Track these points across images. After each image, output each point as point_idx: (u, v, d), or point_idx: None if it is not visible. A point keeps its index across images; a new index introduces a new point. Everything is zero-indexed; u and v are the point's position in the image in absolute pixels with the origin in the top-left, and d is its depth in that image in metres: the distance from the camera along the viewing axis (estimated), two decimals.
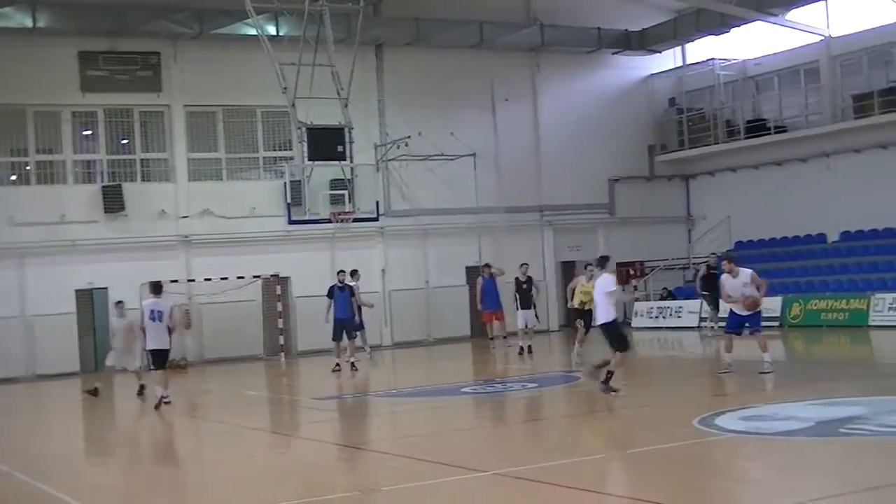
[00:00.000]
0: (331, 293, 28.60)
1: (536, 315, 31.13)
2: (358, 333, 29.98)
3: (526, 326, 29.89)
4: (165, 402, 21.94)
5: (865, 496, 10.74)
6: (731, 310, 22.42)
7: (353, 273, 30.27)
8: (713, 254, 32.86)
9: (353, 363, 28.08)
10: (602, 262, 20.33)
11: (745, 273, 21.71)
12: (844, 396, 17.51)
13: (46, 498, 13.62)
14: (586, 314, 24.20)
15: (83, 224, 34.30)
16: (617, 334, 19.45)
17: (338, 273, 29.32)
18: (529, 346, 29.66)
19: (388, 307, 37.66)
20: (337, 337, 28.37)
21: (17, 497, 13.86)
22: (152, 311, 22.13)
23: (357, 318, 29.67)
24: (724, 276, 22.02)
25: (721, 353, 23.12)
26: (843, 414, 15.41)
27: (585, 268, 25.98)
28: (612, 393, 18.85)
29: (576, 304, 25.39)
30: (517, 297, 30.15)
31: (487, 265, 32.37)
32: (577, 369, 23.91)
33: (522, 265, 30.91)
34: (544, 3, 40.44)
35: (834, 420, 15.08)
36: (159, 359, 22.21)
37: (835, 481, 11.56)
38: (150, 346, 22.28)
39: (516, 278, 30.43)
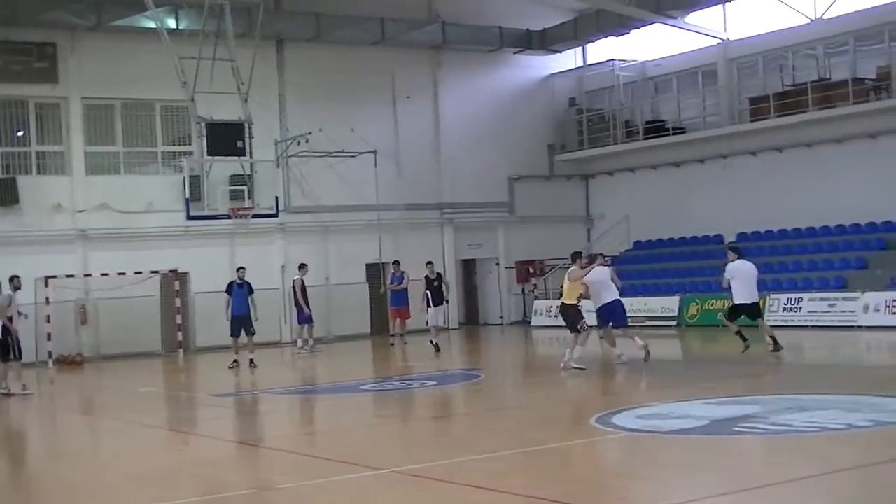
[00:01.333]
0: (230, 289, 28.43)
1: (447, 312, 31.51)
2: (306, 326, 31.68)
3: (438, 324, 30.03)
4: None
5: (754, 494, 10.90)
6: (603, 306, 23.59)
7: (301, 267, 32.11)
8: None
9: (251, 360, 27.91)
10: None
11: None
12: (739, 395, 17.77)
13: None
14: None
15: None
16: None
17: (237, 269, 29.13)
18: (437, 344, 29.64)
19: (288, 304, 37.44)
20: (235, 333, 28.25)
21: None
22: None
23: (306, 310, 31.57)
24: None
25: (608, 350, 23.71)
26: (738, 413, 15.64)
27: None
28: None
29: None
30: (428, 295, 30.28)
31: (396, 262, 32.55)
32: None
33: (429, 263, 31.07)
34: (446, 1, 40.59)
35: (728, 419, 15.29)
36: None
37: (725, 479, 11.71)
38: None
39: (426, 276, 30.60)
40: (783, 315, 32.43)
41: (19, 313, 24.37)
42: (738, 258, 25.17)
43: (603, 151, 42.72)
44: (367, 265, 39.16)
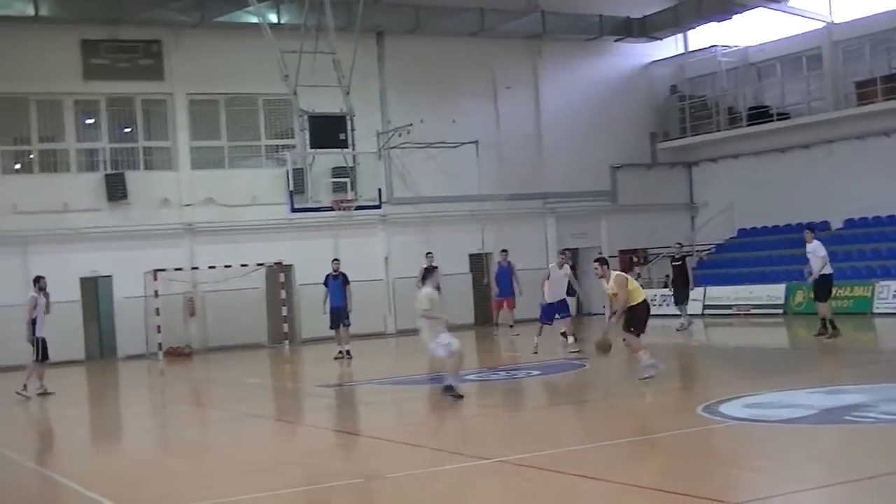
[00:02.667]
0: (326, 282, 28.59)
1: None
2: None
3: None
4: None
5: (868, 483, 10.74)
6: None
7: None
8: (678, 244, 32.72)
9: (347, 351, 28.06)
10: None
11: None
12: (849, 384, 17.52)
13: (54, 485, 13.66)
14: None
15: (86, 212, 34.35)
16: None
17: (333, 261, 29.13)
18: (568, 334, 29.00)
19: (392, 295, 37.69)
20: (335, 325, 28.39)
21: (24, 484, 13.88)
22: None
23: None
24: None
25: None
26: (848, 402, 15.42)
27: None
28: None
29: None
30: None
31: (504, 251, 32.42)
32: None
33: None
34: None
35: (838, 408, 15.08)
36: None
37: (838, 468, 11.55)
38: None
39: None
40: (893, 302, 31.89)
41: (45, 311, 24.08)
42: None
43: (705, 139, 42.29)
44: (470, 255, 39.21)
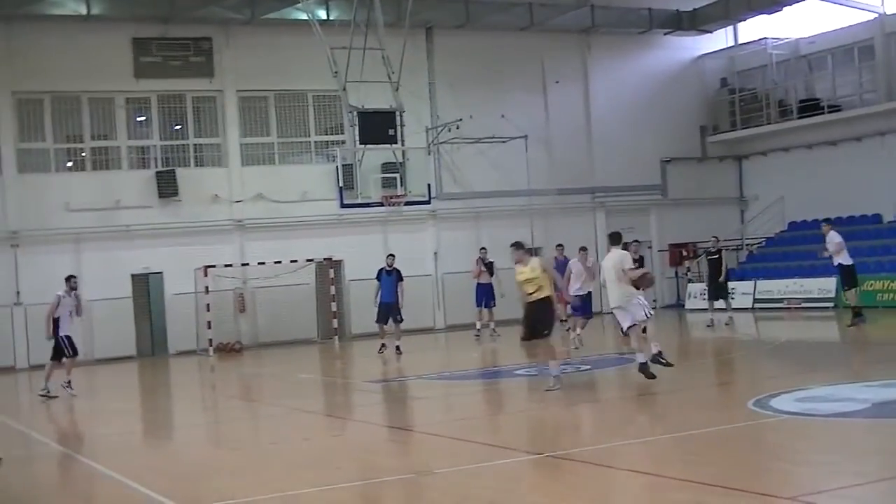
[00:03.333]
0: (379, 276, 28.63)
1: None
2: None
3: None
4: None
5: None
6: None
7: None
8: (714, 237, 32.26)
9: (397, 346, 28.09)
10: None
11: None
12: None
13: (102, 478, 13.77)
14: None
15: (137, 209, 34.65)
16: None
17: (387, 257, 29.18)
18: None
19: (441, 290, 37.73)
20: (382, 320, 28.38)
21: (75, 477, 14.02)
22: None
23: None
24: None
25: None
26: None
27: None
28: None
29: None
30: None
31: (560, 246, 32.25)
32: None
33: (635, 242, 30.38)
34: None
35: (891, 402, 14.96)
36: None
37: (893, 462, 11.45)
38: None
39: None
40: None
41: (76, 313, 23.89)
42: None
43: (756, 132, 42.04)
44: None
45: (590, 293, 26.88)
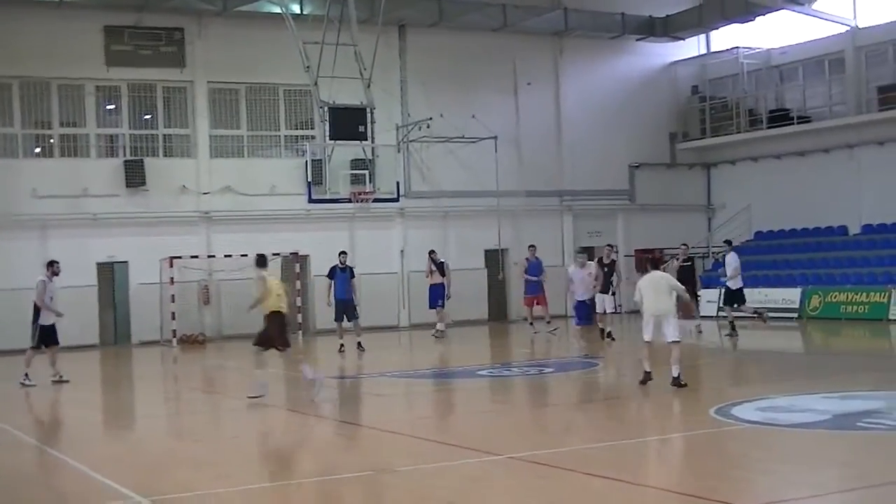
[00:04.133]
0: (331, 274, 28.57)
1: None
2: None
3: (606, 310, 28.88)
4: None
5: (881, 491, 10.73)
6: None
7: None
8: (684, 245, 32.24)
9: (359, 343, 28.08)
10: None
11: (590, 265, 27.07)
12: (862, 390, 17.47)
13: (63, 467, 13.71)
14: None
15: (105, 198, 34.44)
16: None
17: (339, 254, 29.07)
18: (609, 332, 28.81)
19: (407, 289, 37.70)
20: (338, 318, 28.38)
21: (36, 466, 13.95)
22: None
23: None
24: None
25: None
26: (861, 408, 15.40)
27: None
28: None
29: None
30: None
31: (532, 247, 32.30)
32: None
33: (609, 246, 30.32)
34: None
35: (851, 413, 15.06)
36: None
37: (851, 475, 11.54)
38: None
39: (599, 259, 29.25)
40: None
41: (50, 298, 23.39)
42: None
43: (725, 140, 42.21)
44: (486, 251, 39.21)
45: (593, 299, 26.97)
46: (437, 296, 31.64)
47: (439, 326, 31.68)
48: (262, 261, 20.18)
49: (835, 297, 34.04)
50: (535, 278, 31.51)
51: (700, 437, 14.19)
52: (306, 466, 13.37)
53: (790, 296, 35.46)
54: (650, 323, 18.47)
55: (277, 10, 32.86)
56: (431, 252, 32.25)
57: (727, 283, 29.27)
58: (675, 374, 18.18)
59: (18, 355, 29.89)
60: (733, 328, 28.68)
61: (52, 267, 23.73)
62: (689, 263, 30.86)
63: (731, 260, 29.03)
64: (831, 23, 39.04)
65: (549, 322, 31.49)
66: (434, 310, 31.88)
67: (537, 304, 31.79)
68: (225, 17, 35.59)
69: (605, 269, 28.66)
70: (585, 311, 26.66)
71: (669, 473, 11.71)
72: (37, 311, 23.25)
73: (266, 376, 19.20)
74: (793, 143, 39.96)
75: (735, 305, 29.23)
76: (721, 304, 30.50)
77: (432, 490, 11.52)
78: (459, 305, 37.27)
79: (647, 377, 18.56)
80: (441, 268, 31.59)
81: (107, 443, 16.49)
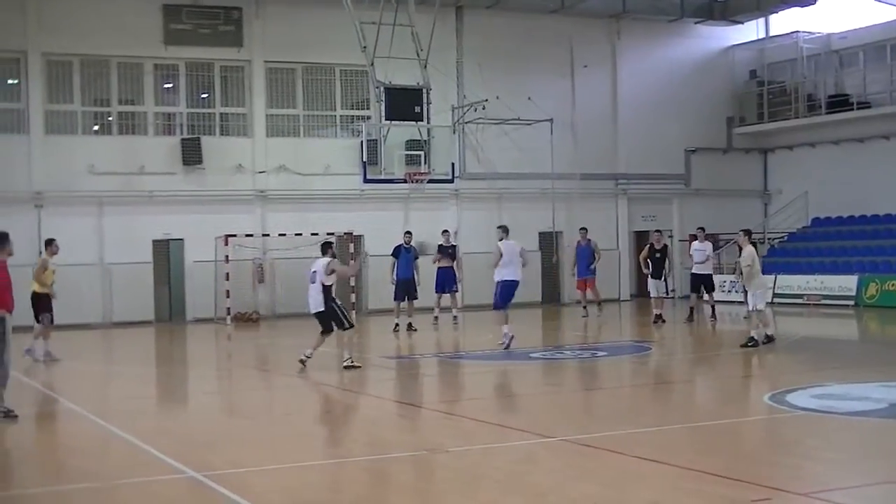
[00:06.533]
0: (396, 253, 28.66)
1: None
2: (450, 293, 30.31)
3: (658, 295, 29.09)
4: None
5: None
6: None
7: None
8: (658, 231, 31.67)
9: (410, 324, 28.18)
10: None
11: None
12: None
13: (114, 439, 13.84)
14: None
15: (161, 175, 34.70)
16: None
17: (405, 234, 29.21)
18: (660, 315, 28.90)
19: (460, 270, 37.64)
20: (399, 297, 28.48)
21: (87, 437, 14.09)
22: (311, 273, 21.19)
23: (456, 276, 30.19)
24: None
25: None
26: None
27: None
28: None
29: None
30: (649, 264, 29.24)
31: (584, 229, 32.19)
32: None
33: (657, 232, 30.37)
34: None
35: None
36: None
37: None
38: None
39: (650, 245, 29.52)
40: None
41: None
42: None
43: (783, 125, 41.84)
44: (540, 233, 39.15)
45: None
46: (447, 279, 30.34)
47: (437, 311, 30.97)
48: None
49: (892, 286, 33.67)
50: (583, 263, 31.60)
51: (753, 423, 14.11)
52: (357, 445, 13.42)
53: (847, 283, 35.13)
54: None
55: None
56: (445, 233, 31.57)
57: (695, 271, 28.93)
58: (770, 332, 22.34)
59: (77, 330, 30.31)
60: (692, 314, 28.96)
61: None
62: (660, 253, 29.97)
63: (705, 247, 29.04)
64: (893, 7, 38.56)
65: (599, 304, 31.47)
66: (439, 294, 30.67)
67: (588, 287, 31.76)
68: None
69: (657, 255, 28.67)
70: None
71: (720, 459, 11.64)
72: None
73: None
74: (852, 129, 39.56)
75: (700, 294, 29.29)
76: (689, 291, 30.04)
77: (483, 470, 11.54)
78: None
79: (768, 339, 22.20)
80: (453, 251, 30.70)
81: (159, 417, 16.62)
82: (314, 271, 20.84)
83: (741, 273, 22.51)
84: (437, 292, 30.42)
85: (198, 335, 31.52)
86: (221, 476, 11.34)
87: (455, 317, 30.55)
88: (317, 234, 34.53)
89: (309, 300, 20.94)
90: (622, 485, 10.71)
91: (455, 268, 30.47)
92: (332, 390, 18.70)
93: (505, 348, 22.91)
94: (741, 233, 23.06)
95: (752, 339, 22.01)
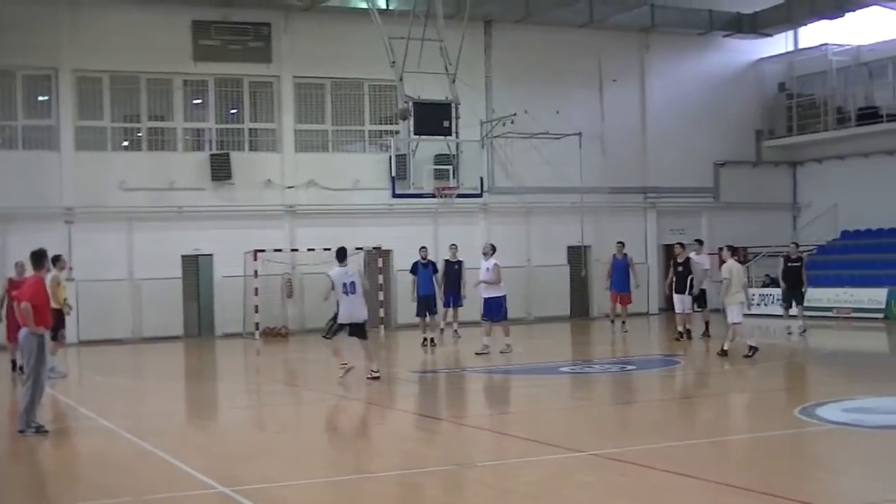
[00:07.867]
0: (414, 269, 28.71)
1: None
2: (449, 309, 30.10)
3: (685, 310, 28.20)
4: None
5: None
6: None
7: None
8: (794, 243, 31.18)
9: (432, 339, 28.26)
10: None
11: None
12: None
13: (144, 454, 13.88)
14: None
15: (191, 191, 34.84)
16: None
17: (420, 249, 29.29)
18: (689, 331, 28.12)
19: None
20: (421, 313, 28.58)
21: (118, 452, 14.14)
22: (344, 284, 20.98)
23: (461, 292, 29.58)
24: None
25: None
26: None
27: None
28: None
29: None
30: (673, 280, 28.41)
31: (621, 243, 32.00)
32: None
33: (679, 245, 29.41)
34: None
35: None
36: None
37: None
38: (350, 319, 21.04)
39: (673, 260, 28.89)
40: None
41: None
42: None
43: (812, 138, 41.70)
44: (568, 247, 39.10)
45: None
46: (451, 294, 29.70)
47: (443, 325, 30.77)
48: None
49: None
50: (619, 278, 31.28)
51: (784, 437, 14.05)
52: (386, 459, 13.43)
53: (876, 296, 34.95)
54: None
55: (364, 5, 33.03)
56: (452, 247, 30.66)
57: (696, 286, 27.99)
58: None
59: (107, 345, 30.42)
60: (707, 329, 28.54)
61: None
62: (797, 263, 29.64)
63: (704, 261, 28.89)
64: None
65: (624, 322, 31.17)
66: (445, 309, 30.31)
67: (620, 303, 31.54)
68: (311, 13, 35.83)
69: (680, 269, 28.09)
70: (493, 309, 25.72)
71: (752, 473, 11.60)
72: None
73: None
74: (882, 141, 39.38)
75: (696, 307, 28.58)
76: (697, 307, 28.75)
77: (513, 485, 11.53)
78: (542, 302, 37.39)
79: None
80: (459, 266, 29.82)
81: (189, 432, 16.68)
82: (352, 282, 20.62)
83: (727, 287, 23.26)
84: (444, 307, 30.30)
85: (227, 350, 31.60)
86: (252, 491, 11.36)
87: (456, 331, 30.55)
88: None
89: (354, 310, 21.06)
90: (657, 500, 10.68)
91: (461, 283, 29.72)
92: (361, 405, 18.72)
93: (476, 354, 24.69)
94: (725, 248, 23.95)
95: (752, 347, 22.80)
